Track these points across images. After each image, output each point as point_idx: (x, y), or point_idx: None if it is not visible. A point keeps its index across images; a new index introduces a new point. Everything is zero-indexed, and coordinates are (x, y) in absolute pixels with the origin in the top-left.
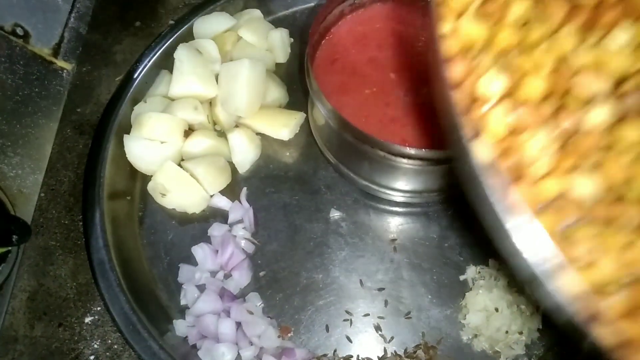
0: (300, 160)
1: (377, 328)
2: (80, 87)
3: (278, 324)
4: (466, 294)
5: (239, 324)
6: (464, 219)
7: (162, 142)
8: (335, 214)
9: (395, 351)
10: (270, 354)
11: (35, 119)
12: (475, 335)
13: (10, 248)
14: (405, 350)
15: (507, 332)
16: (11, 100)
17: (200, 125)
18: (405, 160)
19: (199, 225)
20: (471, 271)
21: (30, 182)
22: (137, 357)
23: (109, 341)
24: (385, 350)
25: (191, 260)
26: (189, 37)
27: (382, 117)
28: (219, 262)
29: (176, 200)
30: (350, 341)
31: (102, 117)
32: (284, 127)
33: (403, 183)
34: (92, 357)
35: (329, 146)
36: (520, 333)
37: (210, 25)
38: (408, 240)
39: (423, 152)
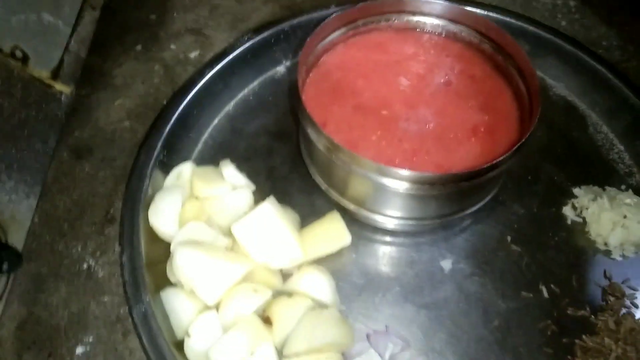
0: (365, 252)
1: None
2: (79, 111)
3: None
4: (590, 226)
5: None
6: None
7: (252, 354)
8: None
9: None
10: None
11: (31, 143)
12: (624, 248)
13: None
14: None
15: None
16: (8, 124)
17: (270, 301)
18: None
19: None
20: (568, 211)
21: (23, 208)
22: None
23: None
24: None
25: None
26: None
27: (404, 154)
28: None
29: None
30: None
31: None
32: (342, 233)
33: (454, 206)
34: None
35: (365, 204)
36: None
37: (164, 209)
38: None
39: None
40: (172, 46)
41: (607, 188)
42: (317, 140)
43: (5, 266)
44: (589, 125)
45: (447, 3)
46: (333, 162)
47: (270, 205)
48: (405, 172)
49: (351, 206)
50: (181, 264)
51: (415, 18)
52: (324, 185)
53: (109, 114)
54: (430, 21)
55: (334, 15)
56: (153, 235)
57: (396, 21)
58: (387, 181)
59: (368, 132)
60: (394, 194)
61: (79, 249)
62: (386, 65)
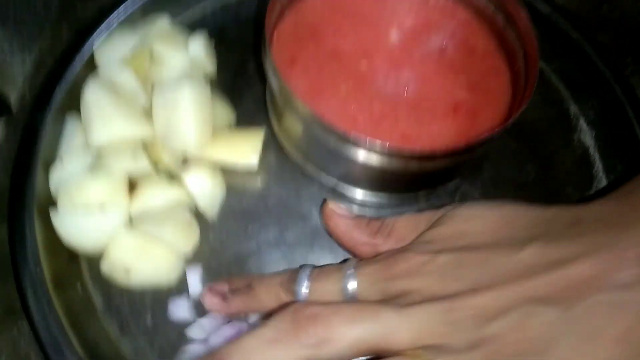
0: (276, 185)
1: None
2: None
3: None
4: None
5: None
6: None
7: (102, 209)
8: None
9: None
10: None
11: None
12: None
13: None
14: None
15: None
16: None
17: (144, 174)
18: (417, 163)
19: (180, 294)
20: None
21: (15, 61)
22: None
23: None
24: None
25: (189, 339)
26: (90, 67)
27: (370, 116)
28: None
29: (144, 276)
30: None
31: (11, 193)
32: (250, 152)
33: (409, 184)
34: None
35: (312, 160)
36: None
37: (115, 47)
38: None
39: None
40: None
41: None
42: (273, 81)
43: None
44: None
45: None
46: (286, 109)
47: (191, 86)
48: (343, 134)
49: (283, 138)
50: (87, 98)
51: None
52: (275, 125)
53: None
54: None
55: None
56: None
57: None
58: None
59: (338, 82)
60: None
61: None
62: (382, 10)
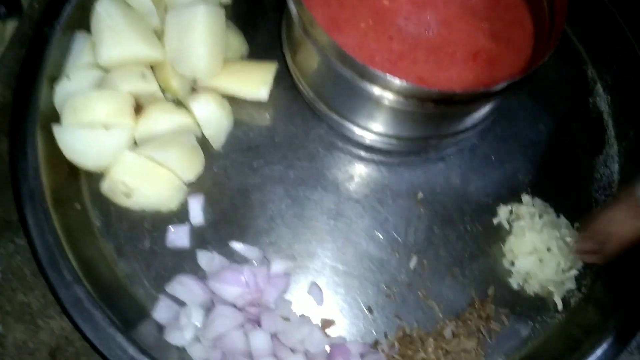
0: (285, 122)
1: (425, 297)
2: None
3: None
4: (509, 237)
5: (273, 334)
6: (482, 157)
7: (106, 128)
8: (343, 178)
9: (449, 319)
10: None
11: None
12: (526, 280)
13: None
14: (459, 315)
15: (563, 270)
16: None
17: (152, 97)
18: (432, 105)
19: (180, 222)
20: (503, 212)
21: None
22: None
23: None
24: (440, 319)
25: (185, 268)
26: None
27: (389, 55)
28: None
29: (145, 199)
30: (400, 318)
31: (14, 107)
32: (261, 84)
33: (420, 130)
34: None
35: (324, 97)
36: (571, 268)
37: None
38: (430, 192)
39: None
40: None
41: (561, 216)
42: (293, 9)
43: (2, 10)
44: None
45: None
46: (304, 40)
47: (207, 10)
48: (364, 68)
49: (297, 72)
50: (99, 12)
51: None
52: (289, 59)
53: None
54: None
55: None
56: None
57: None
58: (347, 73)
59: (358, 17)
60: (349, 90)
61: None
62: None
